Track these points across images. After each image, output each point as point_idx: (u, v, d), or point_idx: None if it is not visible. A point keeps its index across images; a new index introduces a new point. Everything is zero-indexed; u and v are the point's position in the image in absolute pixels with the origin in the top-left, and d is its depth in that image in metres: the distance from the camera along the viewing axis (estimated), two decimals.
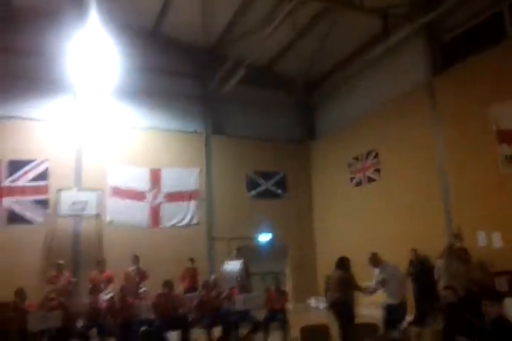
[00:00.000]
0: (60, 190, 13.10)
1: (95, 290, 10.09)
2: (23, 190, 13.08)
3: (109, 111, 14.65)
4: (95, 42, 10.28)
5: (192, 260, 12.36)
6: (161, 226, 14.44)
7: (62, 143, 13.85)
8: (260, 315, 9.36)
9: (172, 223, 14.57)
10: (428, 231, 11.52)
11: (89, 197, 13.31)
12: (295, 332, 7.57)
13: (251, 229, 15.05)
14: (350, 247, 12.45)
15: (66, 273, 10.99)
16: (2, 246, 12.19)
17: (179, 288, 11.08)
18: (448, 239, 10.74)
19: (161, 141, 15.06)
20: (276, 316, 9.16)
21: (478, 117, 10.47)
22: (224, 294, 9.79)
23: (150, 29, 15.01)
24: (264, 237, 15.34)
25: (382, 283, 7.97)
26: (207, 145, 15.71)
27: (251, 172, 16.04)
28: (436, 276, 9.62)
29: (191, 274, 12.03)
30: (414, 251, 11.20)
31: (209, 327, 9.02)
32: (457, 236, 10.30)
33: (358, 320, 8.00)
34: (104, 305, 9.24)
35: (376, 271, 8.24)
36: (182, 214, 14.74)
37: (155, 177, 14.71)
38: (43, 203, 13.20)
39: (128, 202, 14.21)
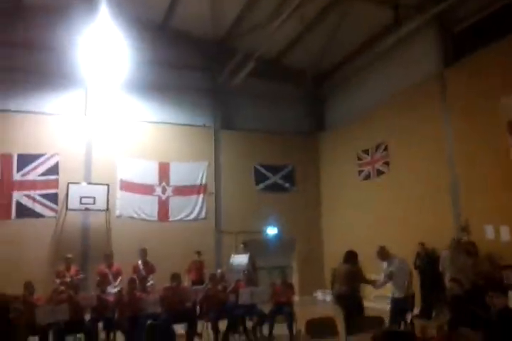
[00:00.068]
0: (69, 184, 13.13)
1: (103, 283, 10.10)
2: (33, 184, 13.16)
3: (118, 105, 14.70)
4: (105, 36, 10.30)
5: (198, 253, 12.35)
6: (169, 220, 14.47)
7: (72, 137, 13.92)
8: (266, 308, 9.33)
9: (180, 217, 14.60)
10: (437, 223, 11.40)
11: (99, 191, 13.34)
12: (301, 324, 7.54)
13: (259, 222, 15.06)
14: (358, 240, 12.39)
15: (75, 267, 11.03)
16: (11, 239, 12.29)
17: (186, 280, 11.09)
18: (456, 232, 10.65)
19: (170, 134, 15.07)
20: (283, 309, 9.11)
21: (489, 109, 10.35)
22: (230, 287, 9.77)
23: (159, 22, 14.97)
24: (272, 231, 15.33)
25: (390, 277, 7.94)
26: (216, 139, 15.70)
27: (259, 166, 16.00)
28: (441, 268, 9.56)
29: (197, 267, 12.02)
30: (422, 244, 11.17)
31: (215, 320, 9.00)
32: (464, 229, 10.21)
33: (364, 313, 7.97)
34: (112, 298, 9.26)
35: (384, 265, 8.20)
36: (190, 208, 14.77)
37: (164, 171, 14.72)
38: (53, 197, 13.28)
39: (137, 195, 14.25)
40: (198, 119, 15.58)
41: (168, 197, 14.61)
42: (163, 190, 14.60)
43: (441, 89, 11.88)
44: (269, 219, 15.14)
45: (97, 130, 14.27)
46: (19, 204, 12.94)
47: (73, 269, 10.86)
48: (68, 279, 10.32)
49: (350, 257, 8.37)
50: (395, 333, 2.82)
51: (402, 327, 6.99)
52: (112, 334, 8.76)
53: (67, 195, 12.99)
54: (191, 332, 8.70)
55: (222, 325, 9.03)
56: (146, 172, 14.52)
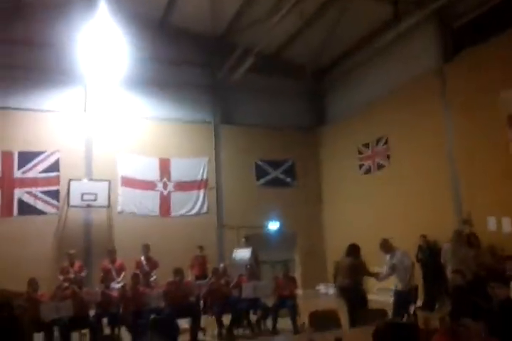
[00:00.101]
0: (70, 181, 13.14)
1: (107, 279, 10.11)
2: (34, 181, 13.18)
3: (118, 101, 14.68)
4: (104, 32, 10.30)
5: (201, 247, 12.35)
6: (171, 215, 14.52)
7: (73, 134, 13.92)
8: (270, 302, 9.39)
9: (182, 212, 14.64)
10: (438, 217, 11.46)
11: (100, 187, 13.36)
12: (305, 317, 7.59)
13: (260, 217, 15.08)
14: (360, 234, 12.42)
15: (78, 263, 11.08)
16: (14, 236, 12.31)
17: (189, 275, 11.14)
18: (457, 224, 10.71)
19: (170, 130, 15.07)
20: (286, 302, 9.15)
21: (488, 103, 10.38)
22: (233, 282, 9.83)
23: (159, 19, 14.94)
24: (273, 225, 15.37)
25: (393, 269, 8.01)
26: (216, 134, 15.70)
27: (260, 161, 16.03)
28: (442, 260, 9.60)
29: (200, 262, 12.03)
30: (424, 237, 11.24)
31: (219, 315, 9.07)
32: (466, 221, 10.26)
33: (367, 306, 8.02)
34: (115, 293, 9.30)
35: (387, 257, 8.27)
36: (192, 204, 14.82)
37: (164, 166, 14.75)
38: (54, 194, 13.31)
39: (138, 191, 14.29)
40: (198, 115, 15.58)
41: (169, 193, 14.65)
42: (165, 186, 14.63)
43: (441, 84, 11.91)
44: (270, 213, 15.18)
45: (97, 126, 14.26)
46: (21, 202, 12.96)
47: (77, 265, 10.91)
48: (72, 275, 10.39)
49: (353, 250, 8.43)
50: (397, 325, 2.84)
51: (405, 319, 7.03)
52: (116, 330, 8.79)
53: (68, 191, 13.02)
54: (195, 326, 8.75)
55: (226, 319, 9.10)
56: (147, 168, 14.53)
